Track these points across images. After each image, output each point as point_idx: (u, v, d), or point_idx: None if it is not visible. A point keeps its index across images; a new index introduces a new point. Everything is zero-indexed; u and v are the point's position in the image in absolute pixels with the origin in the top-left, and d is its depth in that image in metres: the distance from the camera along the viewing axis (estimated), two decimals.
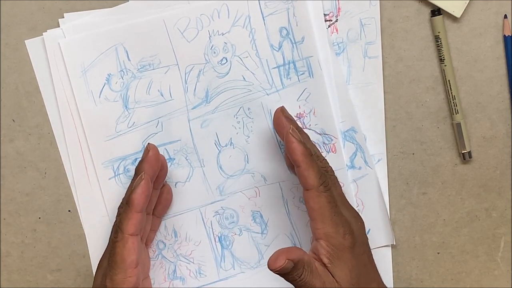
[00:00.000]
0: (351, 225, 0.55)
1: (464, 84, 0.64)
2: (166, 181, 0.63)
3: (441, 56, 0.63)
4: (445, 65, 0.63)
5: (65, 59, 0.62)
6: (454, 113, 0.64)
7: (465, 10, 0.62)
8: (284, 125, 0.57)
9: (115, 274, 0.55)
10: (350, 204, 0.58)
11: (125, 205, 0.55)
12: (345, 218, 0.55)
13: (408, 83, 0.64)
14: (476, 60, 0.64)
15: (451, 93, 0.63)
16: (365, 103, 0.64)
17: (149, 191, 0.56)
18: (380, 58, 0.64)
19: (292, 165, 0.57)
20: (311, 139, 0.59)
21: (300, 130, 0.57)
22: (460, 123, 0.64)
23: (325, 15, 0.63)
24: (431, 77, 0.64)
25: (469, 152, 0.64)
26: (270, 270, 0.52)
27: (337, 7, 0.63)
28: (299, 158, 0.54)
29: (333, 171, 0.58)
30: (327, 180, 0.55)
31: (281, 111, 0.58)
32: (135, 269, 0.55)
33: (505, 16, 0.63)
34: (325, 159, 0.58)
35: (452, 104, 0.64)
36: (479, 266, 0.66)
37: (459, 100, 0.64)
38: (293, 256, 0.52)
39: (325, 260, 0.53)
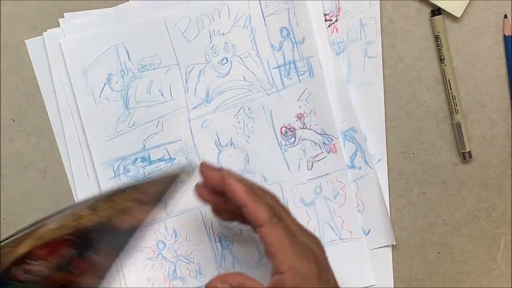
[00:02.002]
0: (314, 252, 0.51)
1: (464, 84, 0.64)
2: None
3: (441, 56, 0.63)
4: (445, 65, 0.63)
5: (66, 59, 0.62)
6: (454, 113, 0.64)
7: (465, 10, 0.63)
8: (215, 173, 0.53)
9: None
10: (305, 229, 0.53)
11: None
12: (307, 245, 0.51)
13: (408, 83, 0.64)
14: (476, 60, 0.64)
15: (451, 93, 0.63)
16: (365, 103, 0.64)
17: None
18: (380, 58, 0.64)
19: (229, 211, 0.54)
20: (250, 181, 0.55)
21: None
22: (460, 123, 0.64)
23: (325, 15, 0.63)
24: (431, 77, 0.64)
25: (469, 152, 0.64)
26: None
27: (337, 7, 0.63)
28: (243, 196, 0.50)
29: (278, 198, 0.54)
30: (278, 210, 0.51)
31: (204, 165, 0.54)
32: None
33: (505, 16, 0.63)
34: (267, 190, 0.54)
35: (452, 104, 0.64)
36: (479, 266, 0.66)
37: (459, 100, 0.64)
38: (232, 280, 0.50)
39: None
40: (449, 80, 0.63)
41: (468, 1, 0.62)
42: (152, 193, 0.53)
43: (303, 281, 0.49)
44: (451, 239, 0.66)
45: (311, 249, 0.51)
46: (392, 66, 0.64)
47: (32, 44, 0.63)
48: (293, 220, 0.53)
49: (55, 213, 0.50)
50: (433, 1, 0.62)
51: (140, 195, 0.52)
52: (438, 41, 0.63)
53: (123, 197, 0.52)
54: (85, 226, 0.49)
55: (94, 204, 0.51)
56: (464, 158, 0.64)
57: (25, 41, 0.62)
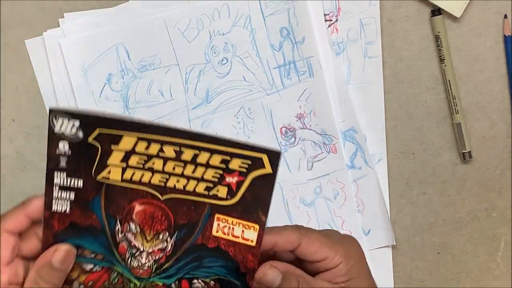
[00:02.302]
0: (352, 241, 0.53)
1: (464, 84, 0.64)
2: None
3: (441, 56, 0.63)
4: (445, 65, 0.63)
5: (66, 59, 0.62)
6: (454, 113, 0.64)
7: (465, 10, 0.63)
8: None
9: None
10: (334, 230, 0.55)
11: (19, 204, 0.52)
12: (343, 237, 0.53)
13: (408, 83, 0.64)
14: (476, 60, 0.64)
15: (451, 93, 0.63)
16: (365, 103, 0.64)
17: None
18: (380, 58, 0.64)
19: None
20: None
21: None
22: (460, 123, 0.64)
23: (325, 15, 0.63)
24: (431, 77, 0.64)
25: (469, 152, 0.64)
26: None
27: (337, 7, 0.63)
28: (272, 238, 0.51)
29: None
30: (300, 226, 0.52)
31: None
32: (8, 267, 0.50)
33: (505, 16, 0.63)
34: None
35: (452, 104, 0.64)
36: (479, 266, 0.66)
37: (459, 100, 0.64)
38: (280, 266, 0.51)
39: None
40: (449, 80, 0.63)
41: (468, 1, 0.62)
42: None
43: (358, 264, 0.52)
44: (451, 239, 0.66)
45: (349, 239, 0.53)
46: (392, 66, 0.64)
47: (32, 44, 0.62)
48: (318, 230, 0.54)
49: None
50: (433, 1, 0.62)
51: None
52: (438, 41, 0.63)
53: None
54: None
55: None
56: (464, 158, 0.65)
57: (25, 41, 0.62)
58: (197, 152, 0.48)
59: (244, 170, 0.48)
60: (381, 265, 0.65)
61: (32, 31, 0.62)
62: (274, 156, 0.48)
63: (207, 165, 0.48)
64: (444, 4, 0.62)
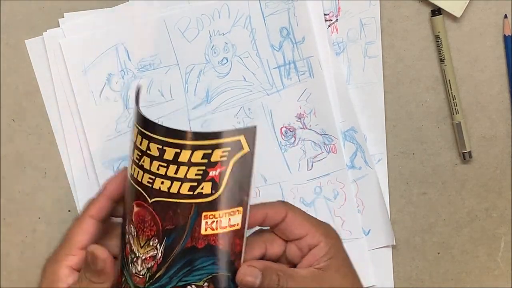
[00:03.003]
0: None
1: (464, 84, 0.64)
2: None
3: (441, 56, 0.63)
4: (445, 65, 0.63)
5: (65, 59, 0.62)
6: (454, 113, 0.64)
7: (465, 10, 0.63)
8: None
9: (60, 248, 0.54)
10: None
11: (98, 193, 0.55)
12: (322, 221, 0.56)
13: (408, 83, 0.64)
14: (476, 60, 0.64)
15: (451, 93, 0.63)
16: (365, 103, 0.64)
17: (124, 183, 0.54)
18: (380, 58, 0.64)
19: None
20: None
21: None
22: (460, 123, 0.64)
23: (325, 15, 0.63)
24: (431, 77, 0.64)
25: (469, 152, 0.64)
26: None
27: (337, 7, 0.63)
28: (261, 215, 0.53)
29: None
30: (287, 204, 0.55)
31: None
32: (81, 251, 0.53)
33: (505, 16, 0.63)
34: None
35: (452, 104, 0.64)
36: (479, 266, 0.66)
37: (459, 100, 0.64)
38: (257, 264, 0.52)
39: None
40: (449, 80, 0.63)
41: (468, 1, 0.62)
42: None
43: (338, 245, 0.54)
44: (451, 239, 0.66)
45: (326, 223, 0.55)
46: (392, 66, 0.64)
47: (32, 44, 0.62)
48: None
49: None
50: (433, 1, 0.62)
51: None
52: (438, 41, 0.63)
53: None
54: None
55: None
56: (464, 158, 0.64)
57: (25, 41, 0.62)
58: (178, 150, 0.47)
59: (225, 158, 0.48)
60: (381, 265, 0.65)
61: (32, 31, 0.62)
62: (250, 133, 0.47)
63: (189, 163, 0.48)
64: (444, 4, 0.62)
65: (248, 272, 0.51)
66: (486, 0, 0.63)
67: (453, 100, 0.63)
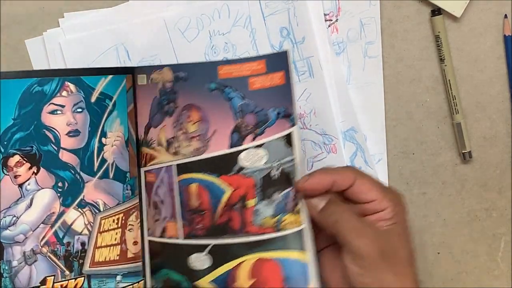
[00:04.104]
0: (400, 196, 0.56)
1: (464, 84, 0.64)
2: None
3: (441, 56, 0.63)
4: (445, 65, 0.63)
5: (66, 59, 0.62)
6: (454, 113, 0.64)
7: (465, 10, 0.63)
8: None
9: None
10: None
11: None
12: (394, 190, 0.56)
13: (408, 83, 0.64)
14: (476, 60, 0.64)
15: (451, 93, 0.63)
16: (365, 103, 0.64)
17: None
18: (380, 58, 0.64)
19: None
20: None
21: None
22: (460, 123, 0.64)
23: (325, 15, 0.63)
24: (431, 77, 0.64)
25: (469, 152, 0.64)
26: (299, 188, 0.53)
27: (337, 7, 0.63)
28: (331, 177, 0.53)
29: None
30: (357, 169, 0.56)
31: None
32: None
33: (505, 16, 0.63)
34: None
35: (452, 104, 0.64)
36: (479, 266, 0.66)
37: (459, 100, 0.64)
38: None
39: None
40: (449, 80, 0.63)
41: (468, 1, 0.62)
42: None
43: (402, 214, 0.53)
44: (451, 239, 0.66)
45: (396, 192, 0.55)
46: (392, 66, 0.64)
47: (32, 44, 0.62)
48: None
49: None
50: (433, 1, 0.62)
51: None
52: (438, 41, 0.63)
53: None
54: None
55: None
56: (464, 158, 0.64)
57: (25, 41, 0.62)
58: None
59: None
60: None
61: (32, 31, 0.62)
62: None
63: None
64: (444, 4, 0.62)
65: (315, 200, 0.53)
66: (486, 0, 0.63)
67: (453, 100, 0.64)
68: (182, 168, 0.55)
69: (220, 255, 0.54)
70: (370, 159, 0.64)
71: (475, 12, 0.63)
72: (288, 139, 0.53)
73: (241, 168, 0.54)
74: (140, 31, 0.62)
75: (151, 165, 0.57)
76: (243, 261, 0.54)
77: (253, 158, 0.54)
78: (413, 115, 0.65)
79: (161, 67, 0.55)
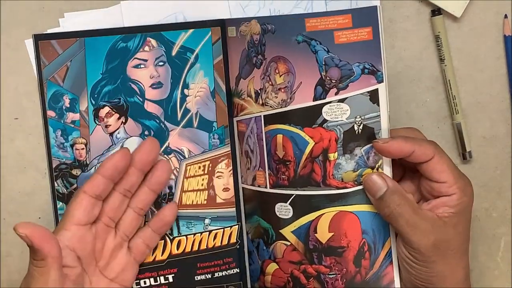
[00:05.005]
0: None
1: (464, 84, 0.64)
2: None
3: (441, 56, 0.63)
4: (445, 65, 0.63)
5: None
6: (454, 113, 0.64)
7: (465, 10, 0.63)
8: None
9: (59, 223, 0.56)
10: None
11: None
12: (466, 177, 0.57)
13: (408, 83, 0.64)
14: (476, 60, 0.64)
15: (451, 93, 0.63)
16: None
17: (123, 162, 0.55)
18: None
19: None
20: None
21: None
22: (460, 123, 0.64)
23: None
24: (431, 77, 0.64)
25: (469, 152, 0.64)
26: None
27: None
28: (410, 147, 0.54)
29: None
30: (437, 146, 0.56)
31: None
32: (74, 226, 0.54)
33: (505, 16, 0.63)
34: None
35: (452, 104, 0.64)
36: (479, 266, 0.66)
37: (459, 100, 0.64)
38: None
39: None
40: (449, 80, 0.63)
41: (468, 1, 0.62)
42: None
43: (467, 205, 0.55)
44: None
45: (469, 181, 0.56)
46: (392, 66, 0.64)
47: (32, 45, 0.62)
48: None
49: None
50: (433, 1, 0.62)
51: None
52: (438, 41, 0.63)
53: None
54: None
55: None
56: (464, 158, 0.64)
57: (25, 41, 0.62)
58: None
59: None
60: None
61: (32, 31, 0.62)
62: None
63: None
64: (444, 4, 0.62)
65: (378, 179, 0.54)
66: (486, 0, 0.63)
67: (453, 100, 0.63)
68: (269, 119, 0.57)
69: (301, 207, 0.56)
70: None
71: (475, 12, 0.63)
72: (373, 95, 0.54)
73: (324, 121, 0.55)
74: None
75: (242, 115, 0.59)
76: (323, 214, 0.56)
77: (336, 111, 0.54)
78: (413, 115, 0.65)
79: (249, 19, 0.56)
